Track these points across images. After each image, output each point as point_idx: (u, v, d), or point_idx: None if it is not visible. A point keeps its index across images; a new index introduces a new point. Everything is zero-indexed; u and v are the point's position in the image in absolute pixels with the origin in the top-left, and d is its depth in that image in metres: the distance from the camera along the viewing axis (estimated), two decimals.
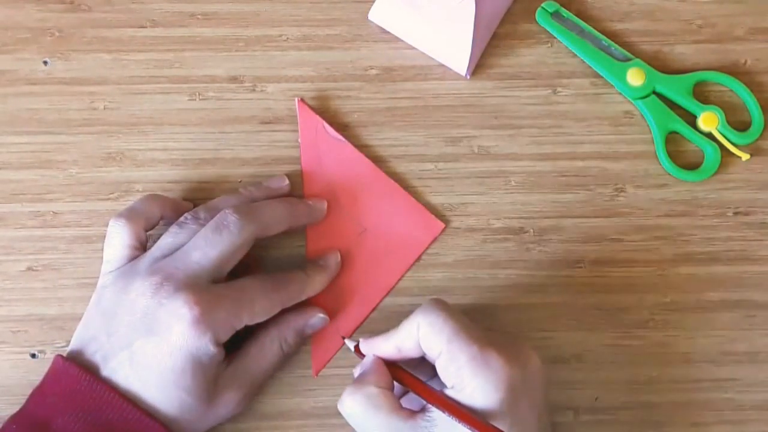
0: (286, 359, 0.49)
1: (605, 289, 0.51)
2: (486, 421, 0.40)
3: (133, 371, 0.44)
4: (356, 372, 0.46)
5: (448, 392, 0.42)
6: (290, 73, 0.53)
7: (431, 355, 0.42)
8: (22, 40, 0.54)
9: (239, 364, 0.46)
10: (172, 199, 0.50)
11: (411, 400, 0.45)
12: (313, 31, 0.54)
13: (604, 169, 0.52)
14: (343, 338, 0.49)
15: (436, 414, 0.41)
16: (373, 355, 0.44)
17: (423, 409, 0.42)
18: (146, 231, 0.48)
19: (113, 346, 0.44)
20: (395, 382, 0.44)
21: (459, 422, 0.40)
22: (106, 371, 0.44)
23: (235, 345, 0.46)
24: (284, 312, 0.48)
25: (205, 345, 0.43)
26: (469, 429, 0.40)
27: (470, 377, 0.41)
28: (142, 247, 0.48)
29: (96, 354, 0.45)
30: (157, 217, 0.48)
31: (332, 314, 0.50)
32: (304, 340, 0.50)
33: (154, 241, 0.47)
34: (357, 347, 0.46)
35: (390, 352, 0.44)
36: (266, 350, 0.47)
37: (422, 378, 0.44)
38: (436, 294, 0.51)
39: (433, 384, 0.43)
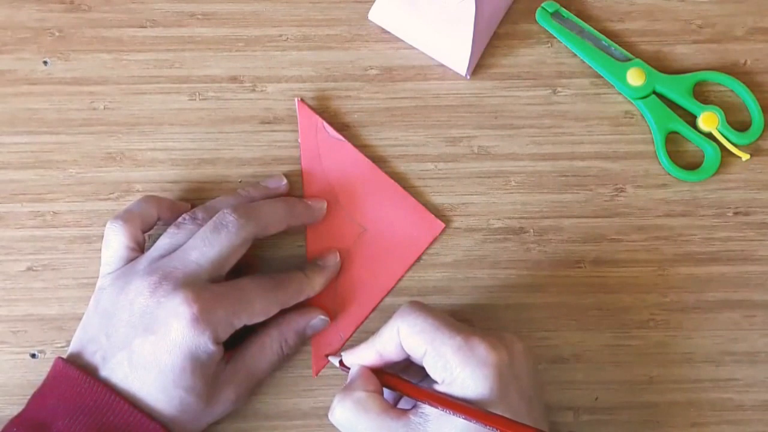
0: (286, 360, 0.49)
1: (605, 289, 0.51)
2: (480, 408, 0.40)
3: (132, 371, 0.44)
4: None
5: (438, 388, 0.42)
6: (290, 73, 0.53)
7: (416, 356, 0.43)
8: (22, 40, 0.54)
9: (238, 362, 0.46)
10: (169, 199, 0.50)
11: (404, 406, 0.45)
12: (313, 31, 0.54)
13: (604, 169, 0.52)
14: (327, 356, 0.49)
15: (428, 410, 0.41)
16: (359, 364, 0.45)
17: (415, 406, 0.42)
18: (143, 232, 0.48)
19: (112, 346, 0.44)
20: (387, 390, 0.44)
21: (454, 414, 0.40)
22: (105, 371, 0.44)
23: (234, 343, 0.46)
24: (285, 312, 0.48)
25: (204, 343, 0.43)
26: (465, 419, 0.40)
27: (459, 368, 0.41)
28: (139, 248, 0.48)
29: (95, 354, 0.45)
30: (154, 218, 0.48)
31: (332, 314, 0.50)
32: (304, 341, 0.50)
33: (153, 243, 0.47)
34: (341, 362, 0.46)
35: (372, 358, 0.44)
36: (266, 350, 0.47)
37: (412, 380, 0.44)
38: (436, 294, 0.51)
39: (423, 385, 0.43)
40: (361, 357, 0.45)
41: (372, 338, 0.44)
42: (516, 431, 0.39)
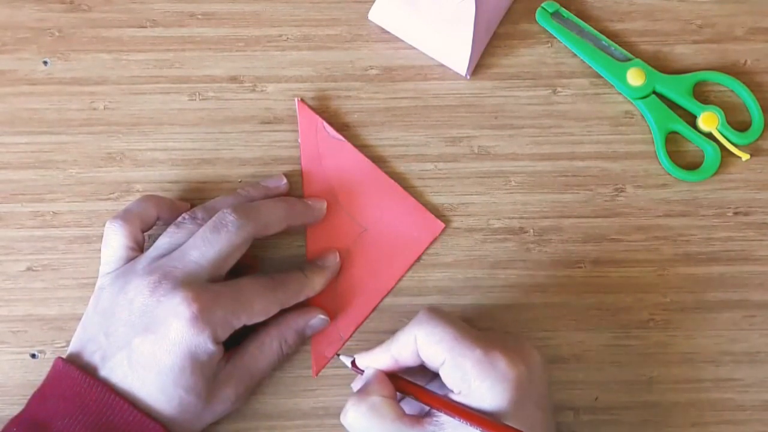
0: (285, 359, 0.49)
1: (605, 289, 0.51)
2: (500, 421, 0.40)
3: (131, 370, 0.44)
4: (355, 386, 0.46)
5: (454, 397, 0.42)
6: (290, 73, 0.53)
7: (433, 365, 0.42)
8: (22, 40, 0.54)
9: (238, 361, 0.46)
10: (169, 199, 0.50)
11: (407, 407, 0.45)
12: (313, 31, 0.54)
13: (604, 169, 0.52)
14: (338, 355, 0.49)
15: (443, 418, 0.41)
16: (373, 368, 0.44)
17: (429, 414, 0.42)
18: (143, 232, 0.48)
19: (112, 345, 0.44)
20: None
21: (471, 425, 0.40)
22: (105, 371, 0.44)
23: (234, 343, 0.46)
24: (285, 312, 0.48)
25: (203, 342, 0.43)
26: (481, 430, 0.40)
27: (478, 381, 0.41)
28: (139, 248, 0.48)
29: (95, 354, 0.45)
30: (153, 217, 0.48)
31: (332, 314, 0.50)
32: (304, 340, 0.50)
33: (153, 242, 0.47)
34: (353, 362, 0.45)
35: (387, 363, 0.44)
36: (266, 349, 0.47)
37: (420, 382, 0.44)
38: (436, 294, 0.51)
39: (433, 387, 0.43)
40: (376, 360, 0.44)
41: (387, 342, 0.44)
42: None
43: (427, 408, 0.43)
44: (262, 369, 0.47)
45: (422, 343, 0.42)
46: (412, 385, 0.44)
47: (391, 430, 0.42)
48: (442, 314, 0.43)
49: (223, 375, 0.46)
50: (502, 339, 0.43)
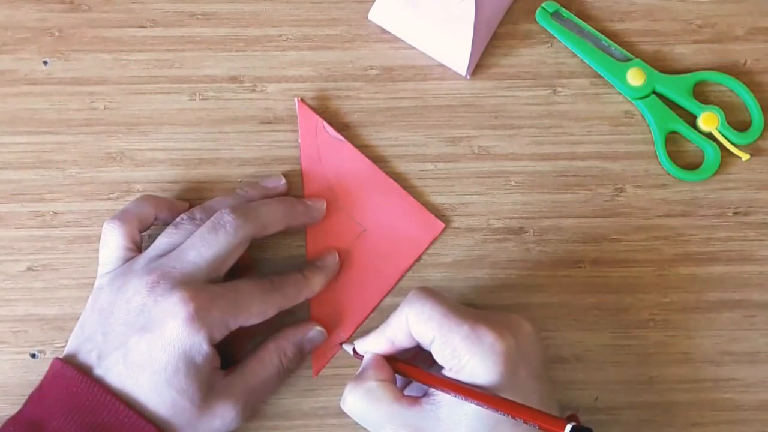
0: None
1: (605, 289, 0.51)
2: (492, 393, 0.40)
3: (126, 369, 0.44)
4: None
5: (447, 374, 0.42)
6: (290, 73, 0.53)
7: (425, 343, 0.43)
8: (22, 40, 0.54)
9: (237, 375, 0.46)
10: (167, 199, 0.50)
11: (414, 391, 0.45)
12: (313, 31, 0.54)
13: (604, 169, 0.52)
14: (341, 344, 0.49)
15: (440, 396, 0.42)
16: (371, 352, 0.45)
17: (426, 394, 0.42)
18: (140, 232, 0.48)
19: (108, 344, 0.44)
20: (398, 376, 0.44)
21: (466, 400, 0.40)
22: (100, 370, 0.44)
23: (232, 362, 0.47)
24: (282, 326, 0.48)
25: (198, 343, 0.43)
26: (476, 404, 0.40)
27: (467, 356, 0.41)
28: (137, 248, 0.48)
29: (91, 353, 0.45)
30: (151, 217, 0.48)
31: (332, 314, 0.50)
32: (304, 356, 0.49)
33: (151, 242, 0.47)
34: (355, 350, 0.46)
35: (384, 346, 0.44)
36: (265, 363, 0.47)
37: (422, 366, 0.44)
38: None
39: (434, 371, 0.43)
40: (373, 344, 0.45)
41: (382, 325, 0.44)
42: (524, 415, 0.39)
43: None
44: (261, 382, 0.47)
45: (413, 321, 0.42)
46: (408, 366, 0.44)
47: (388, 413, 0.42)
48: (432, 293, 0.43)
49: (222, 387, 0.45)
50: (491, 314, 0.43)
